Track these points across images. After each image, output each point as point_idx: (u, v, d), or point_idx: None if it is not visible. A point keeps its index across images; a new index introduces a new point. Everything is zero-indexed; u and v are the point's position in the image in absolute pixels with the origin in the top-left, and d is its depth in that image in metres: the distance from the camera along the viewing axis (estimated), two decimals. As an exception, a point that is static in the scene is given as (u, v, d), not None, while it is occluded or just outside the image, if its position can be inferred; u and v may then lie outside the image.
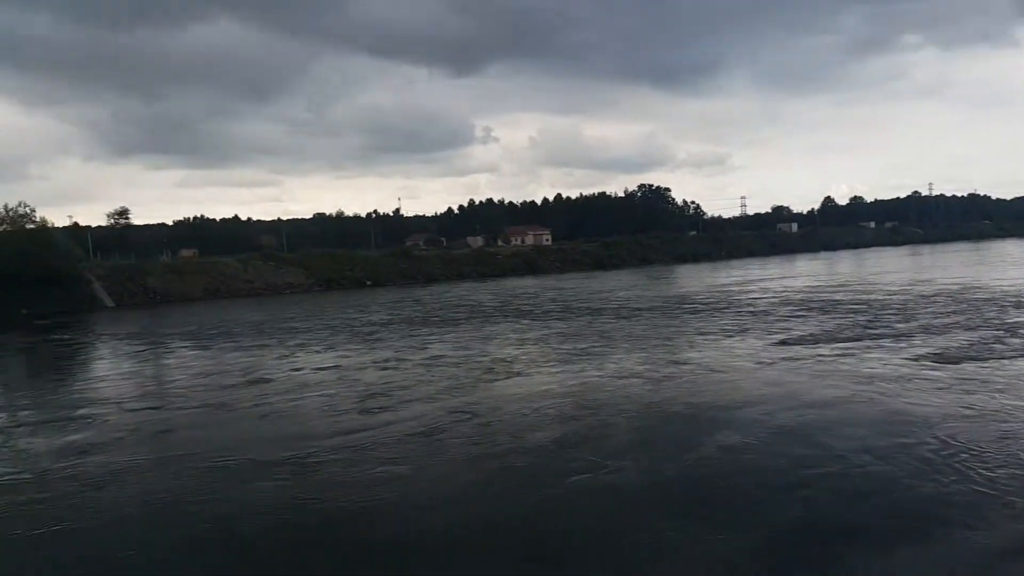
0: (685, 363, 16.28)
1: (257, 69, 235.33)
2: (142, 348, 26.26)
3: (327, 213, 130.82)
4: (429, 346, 21.66)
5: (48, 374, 22.25)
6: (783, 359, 16.07)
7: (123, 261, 65.17)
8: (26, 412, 14.95)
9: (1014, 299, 25.89)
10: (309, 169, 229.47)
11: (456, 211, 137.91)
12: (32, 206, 58.54)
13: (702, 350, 18.14)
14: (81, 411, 14.52)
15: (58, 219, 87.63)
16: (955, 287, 32.37)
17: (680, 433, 10.68)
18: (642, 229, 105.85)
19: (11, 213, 55.93)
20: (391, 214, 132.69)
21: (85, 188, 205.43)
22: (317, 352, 21.72)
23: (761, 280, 46.70)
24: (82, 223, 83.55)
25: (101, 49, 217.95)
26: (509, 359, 18.33)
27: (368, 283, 68.77)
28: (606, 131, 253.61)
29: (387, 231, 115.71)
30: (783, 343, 18.42)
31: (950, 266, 52.50)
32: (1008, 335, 17.65)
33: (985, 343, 16.69)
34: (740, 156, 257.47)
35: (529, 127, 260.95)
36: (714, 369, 15.34)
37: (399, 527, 7.66)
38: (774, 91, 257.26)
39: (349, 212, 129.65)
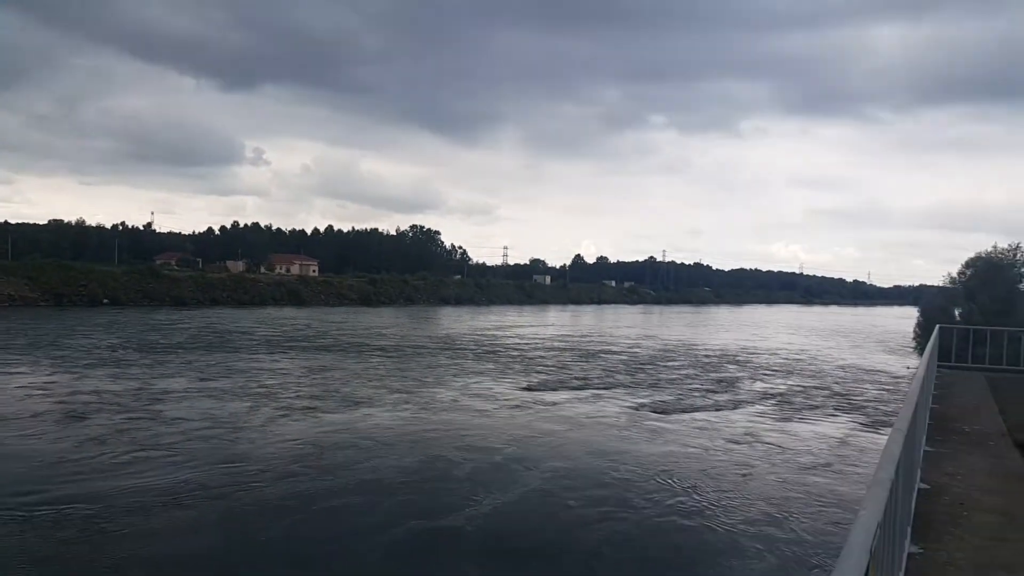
0: (438, 404, 17.63)
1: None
2: None
3: (66, 220, 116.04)
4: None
5: None
6: (526, 403, 18.07)
7: None
8: None
9: (720, 359, 30.95)
10: (49, 169, 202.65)
11: (217, 232, 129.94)
12: None
13: (456, 391, 19.66)
14: None
15: None
16: (676, 344, 37.87)
17: (411, 477, 11.86)
18: (411, 268, 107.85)
19: None
20: (141, 228, 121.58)
21: None
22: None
23: (518, 327, 50.17)
24: None
25: None
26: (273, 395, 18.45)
27: (105, 301, 62.67)
28: (383, 169, 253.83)
29: (136, 247, 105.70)
30: (528, 388, 20.55)
31: (673, 326, 60.41)
32: (710, 392, 21.36)
33: (689, 396, 20.10)
34: (507, 208, 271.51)
35: (304, 154, 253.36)
36: (468, 410, 16.87)
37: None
38: (540, 151, 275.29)
39: (92, 222, 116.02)
